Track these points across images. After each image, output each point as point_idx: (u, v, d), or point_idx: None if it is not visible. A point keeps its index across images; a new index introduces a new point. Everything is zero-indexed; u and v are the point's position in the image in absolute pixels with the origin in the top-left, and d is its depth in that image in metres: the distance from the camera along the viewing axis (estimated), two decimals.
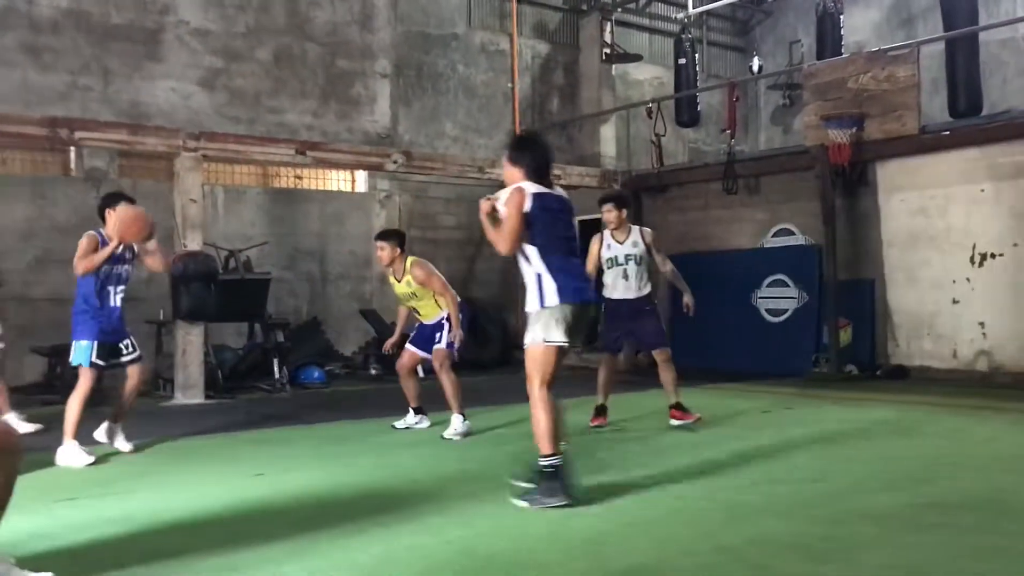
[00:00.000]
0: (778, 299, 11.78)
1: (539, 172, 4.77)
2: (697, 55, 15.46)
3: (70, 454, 5.86)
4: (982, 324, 9.96)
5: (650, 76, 16.87)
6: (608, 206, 7.11)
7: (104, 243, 6.09)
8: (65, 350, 6.66)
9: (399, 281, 7.20)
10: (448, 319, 7.08)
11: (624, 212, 7.15)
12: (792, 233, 11.82)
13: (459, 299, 7.20)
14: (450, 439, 6.80)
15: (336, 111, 13.14)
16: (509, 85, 15.04)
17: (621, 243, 7.10)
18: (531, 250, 4.65)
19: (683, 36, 15.19)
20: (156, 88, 11.71)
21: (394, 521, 4.32)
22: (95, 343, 6.06)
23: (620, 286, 7.10)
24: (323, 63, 13.05)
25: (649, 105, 13.75)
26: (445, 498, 4.81)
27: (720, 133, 14.82)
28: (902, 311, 10.72)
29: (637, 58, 16.15)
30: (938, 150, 10.30)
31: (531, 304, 4.67)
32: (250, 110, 12.35)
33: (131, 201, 6.29)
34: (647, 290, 7.15)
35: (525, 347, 4.68)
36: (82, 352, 6.07)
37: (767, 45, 17.67)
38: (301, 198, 12.89)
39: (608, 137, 15.45)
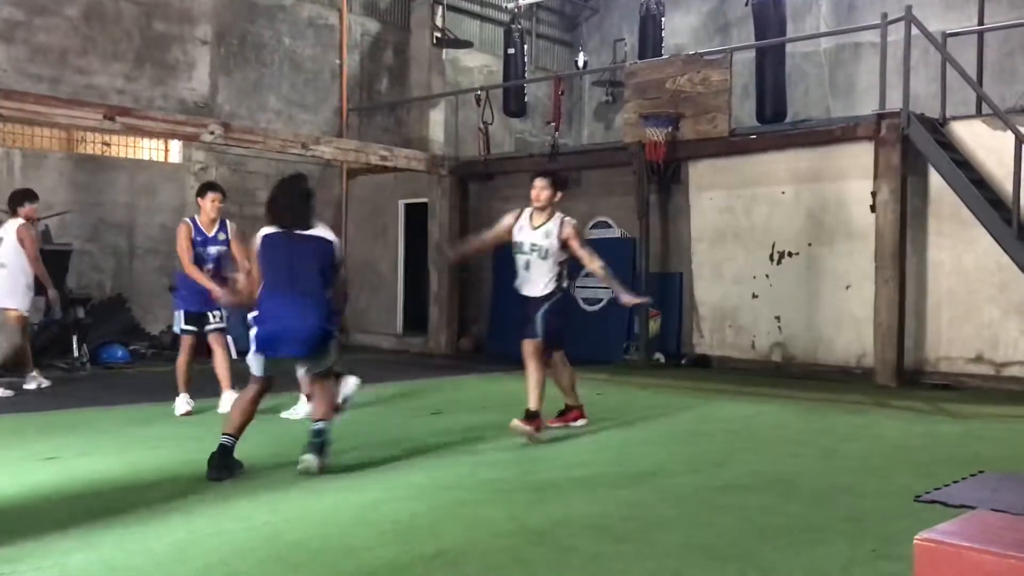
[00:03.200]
0: (594, 289, 12.13)
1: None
2: (526, 46, 15.67)
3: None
4: (778, 318, 10.66)
5: (480, 64, 16.95)
6: (543, 182, 6.20)
7: (198, 229, 7.08)
8: None
9: (536, 228, 6.19)
10: (561, 288, 6.21)
11: (558, 194, 6.22)
12: (609, 226, 12.22)
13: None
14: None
15: (151, 76, 12.44)
16: (337, 61, 14.72)
17: (535, 228, 6.18)
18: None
19: (513, 26, 15.36)
20: None
21: (198, 507, 4.17)
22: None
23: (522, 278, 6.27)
24: (138, 24, 12.32)
25: (478, 93, 13.82)
26: (255, 484, 4.68)
27: (545, 125, 15.09)
28: (707, 303, 11.30)
29: (467, 44, 16.19)
30: (745, 152, 10.91)
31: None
32: (54, 69, 11.49)
33: (219, 189, 7.24)
34: (550, 289, 6.17)
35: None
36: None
37: (593, 42, 18.13)
38: (109, 166, 12.15)
39: (437, 122, 15.42)
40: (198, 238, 7.05)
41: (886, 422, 7.12)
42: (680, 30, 16.02)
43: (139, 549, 3.51)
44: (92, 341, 10.25)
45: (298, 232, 5.02)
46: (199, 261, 7.00)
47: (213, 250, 7.05)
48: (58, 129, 11.45)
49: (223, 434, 4.87)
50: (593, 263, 6.13)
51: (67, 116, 9.82)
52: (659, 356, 11.25)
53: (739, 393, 8.65)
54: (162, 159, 12.95)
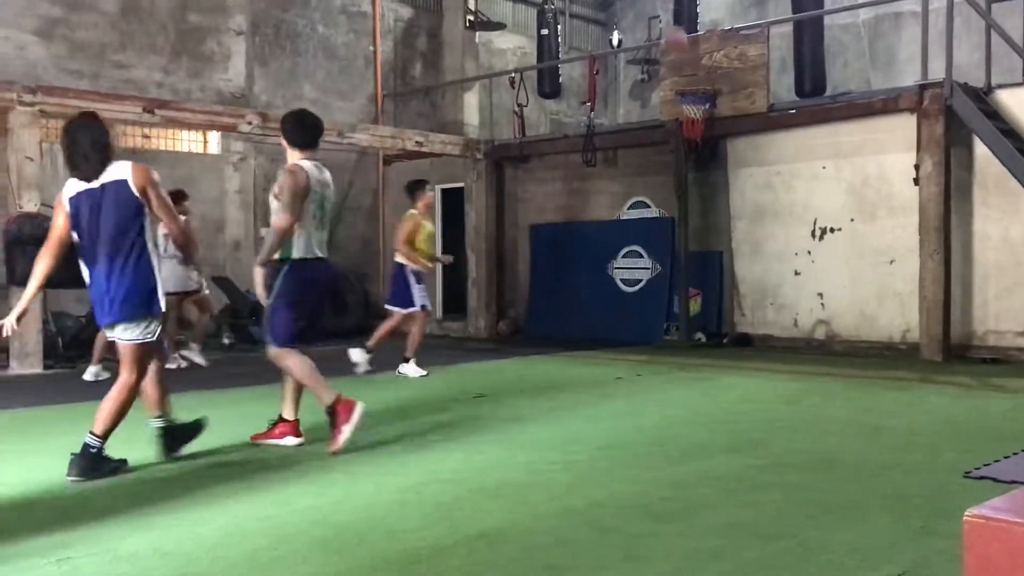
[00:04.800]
0: (633, 269, 12.09)
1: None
2: (559, 27, 15.59)
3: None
4: (821, 295, 10.53)
5: (513, 46, 16.89)
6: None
7: None
8: None
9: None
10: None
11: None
12: (647, 206, 12.13)
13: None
14: None
15: (188, 68, 12.57)
16: (371, 48, 14.76)
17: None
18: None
19: (546, 7, 15.28)
20: None
21: (243, 492, 4.22)
22: None
23: (317, 238, 5.34)
24: (174, 17, 12.45)
25: (512, 75, 13.78)
26: (298, 468, 4.73)
27: (581, 105, 15.02)
28: (748, 282, 11.20)
29: (500, 26, 16.13)
30: (784, 128, 10.75)
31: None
32: (93, 64, 11.66)
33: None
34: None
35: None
36: None
37: (627, 20, 17.98)
38: (149, 159, 12.24)
39: (471, 105, 15.41)
40: None
41: (932, 398, 7.02)
42: (715, 5, 15.82)
43: (188, 535, 3.57)
44: None
45: (93, 186, 4.59)
46: None
47: None
48: None
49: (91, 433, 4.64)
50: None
51: (107, 110, 9.93)
52: (700, 336, 11.18)
53: (781, 371, 8.57)
54: (201, 150, 13.10)
